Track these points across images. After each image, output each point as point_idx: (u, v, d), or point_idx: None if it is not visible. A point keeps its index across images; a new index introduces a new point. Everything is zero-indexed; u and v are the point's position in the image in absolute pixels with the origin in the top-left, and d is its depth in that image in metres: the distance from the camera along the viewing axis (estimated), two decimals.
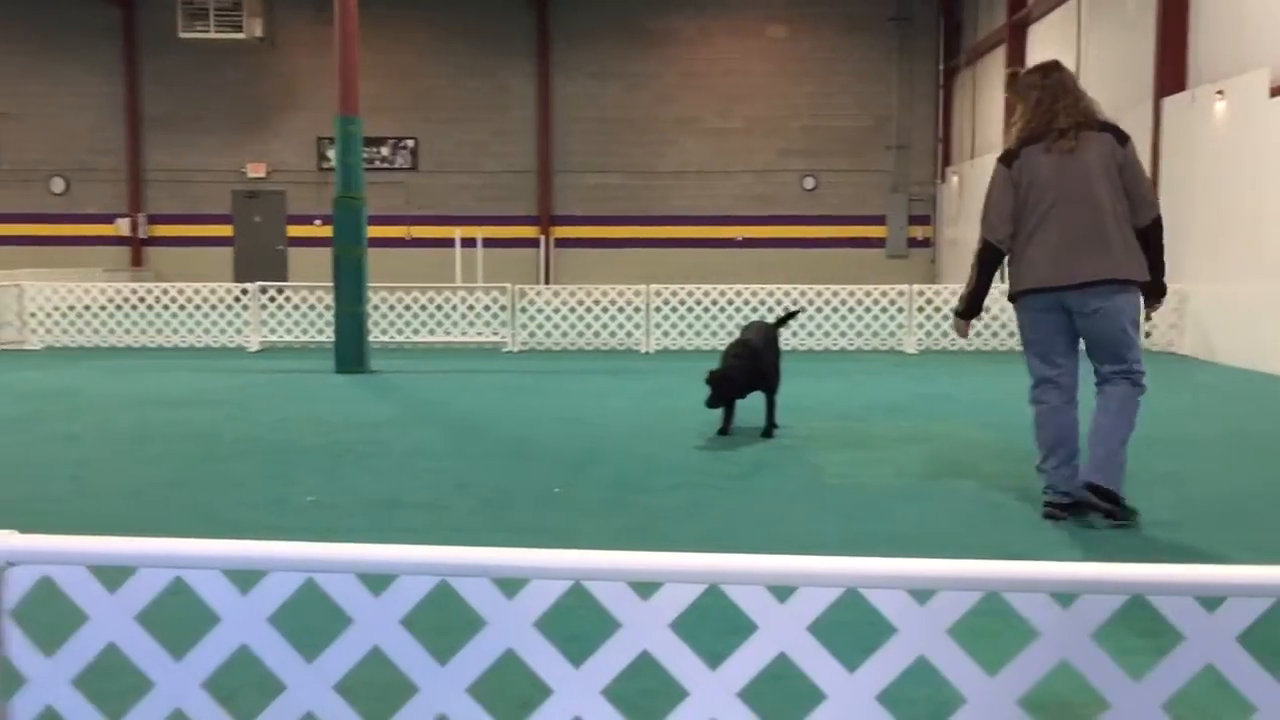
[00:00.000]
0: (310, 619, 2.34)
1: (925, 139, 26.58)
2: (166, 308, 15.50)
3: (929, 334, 14.51)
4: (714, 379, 7.53)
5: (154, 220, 27.00)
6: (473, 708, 1.84)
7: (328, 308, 13.81)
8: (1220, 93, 12.55)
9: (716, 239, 26.42)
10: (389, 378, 11.58)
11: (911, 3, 26.07)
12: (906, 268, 25.82)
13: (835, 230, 26.41)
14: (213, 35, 25.23)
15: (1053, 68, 5.34)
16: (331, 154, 12.54)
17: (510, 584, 1.79)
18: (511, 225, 26.34)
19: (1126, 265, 5.02)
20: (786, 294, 14.94)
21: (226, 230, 26.96)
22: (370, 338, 12.60)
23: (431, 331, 15.09)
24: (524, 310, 15.53)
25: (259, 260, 26.30)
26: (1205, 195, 12.66)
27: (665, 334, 14.68)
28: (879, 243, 26.59)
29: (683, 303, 14.87)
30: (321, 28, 22.38)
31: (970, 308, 5.44)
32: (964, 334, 5.74)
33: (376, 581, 1.80)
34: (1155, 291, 5.23)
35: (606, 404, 9.49)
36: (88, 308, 15.62)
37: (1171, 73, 13.92)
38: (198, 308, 15.61)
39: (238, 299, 15.92)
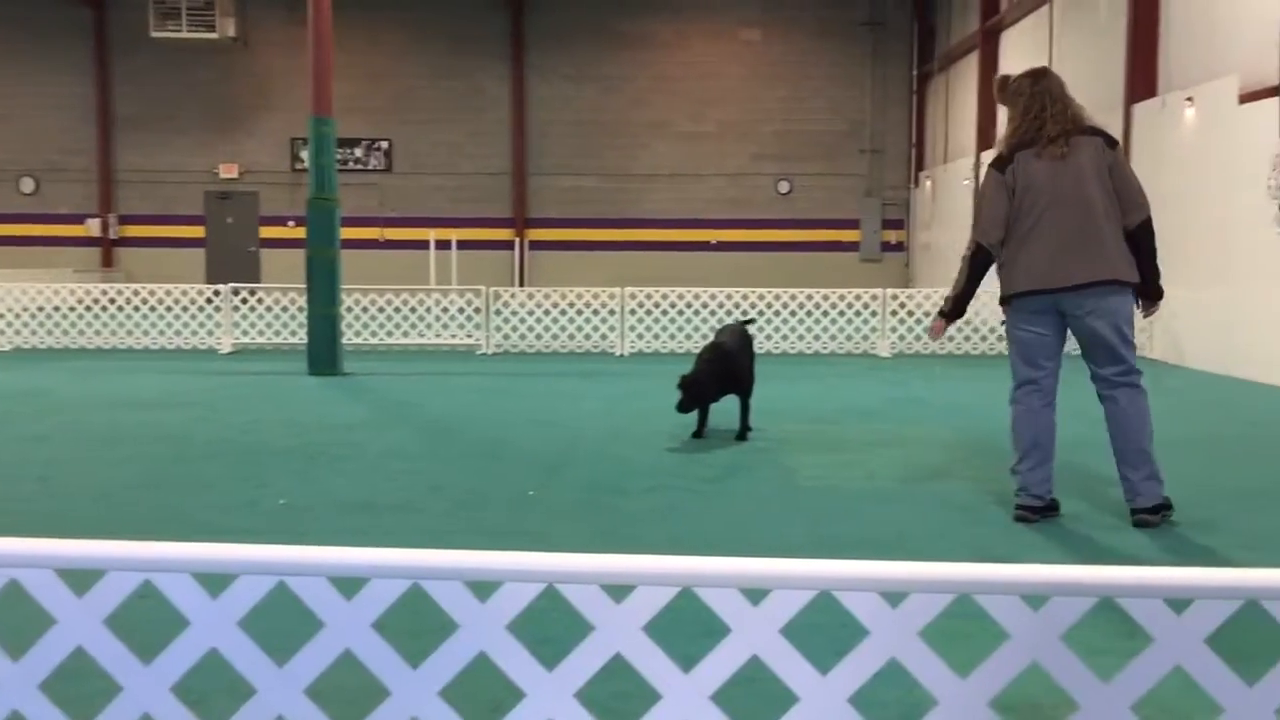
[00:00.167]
0: (281, 622, 2.32)
1: (899, 143, 26.71)
2: (137, 309, 15.38)
3: (902, 338, 14.58)
4: (685, 383, 7.51)
5: (125, 221, 26.79)
6: (445, 711, 1.84)
7: (301, 309, 13.74)
8: (1190, 99, 12.68)
9: (691, 242, 26.45)
10: (362, 380, 11.53)
11: (885, 7, 26.20)
12: (880, 271, 25.93)
13: (809, 234, 26.50)
14: (185, 35, 25.05)
15: (1041, 74, 5.40)
16: (305, 155, 12.48)
17: (483, 587, 1.78)
18: (486, 227, 26.29)
19: (1120, 267, 5.10)
20: (760, 297, 14.97)
21: (198, 231, 26.78)
22: (344, 340, 12.54)
23: (405, 334, 15.04)
24: (498, 313, 15.50)
25: (231, 261, 26.14)
26: (1175, 201, 12.78)
27: (639, 336, 14.69)
28: (853, 246, 26.69)
29: (657, 305, 14.88)
30: (295, 28, 22.27)
31: (956, 309, 5.47)
32: (939, 335, 5.75)
33: (348, 585, 1.79)
34: (1152, 294, 5.29)
35: (580, 406, 9.48)
36: (57, 309, 15.49)
37: (1142, 79, 14.04)
38: (169, 309, 15.48)
39: (210, 300, 15.82)
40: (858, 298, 14.72)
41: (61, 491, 6.07)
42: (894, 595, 1.75)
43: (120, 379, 11.54)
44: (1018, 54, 19.83)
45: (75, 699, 2.12)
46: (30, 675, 1.84)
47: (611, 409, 9.34)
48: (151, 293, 15.33)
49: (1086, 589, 1.72)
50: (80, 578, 1.82)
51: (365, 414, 9.14)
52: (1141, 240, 5.18)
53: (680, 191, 26.59)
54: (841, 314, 14.66)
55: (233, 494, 6.00)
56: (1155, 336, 13.33)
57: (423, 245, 21.90)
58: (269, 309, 15.40)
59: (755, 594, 1.76)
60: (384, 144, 26.50)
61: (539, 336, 14.86)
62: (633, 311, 14.77)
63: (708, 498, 5.94)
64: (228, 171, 26.55)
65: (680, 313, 14.78)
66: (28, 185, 26.66)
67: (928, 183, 25.34)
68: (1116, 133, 13.84)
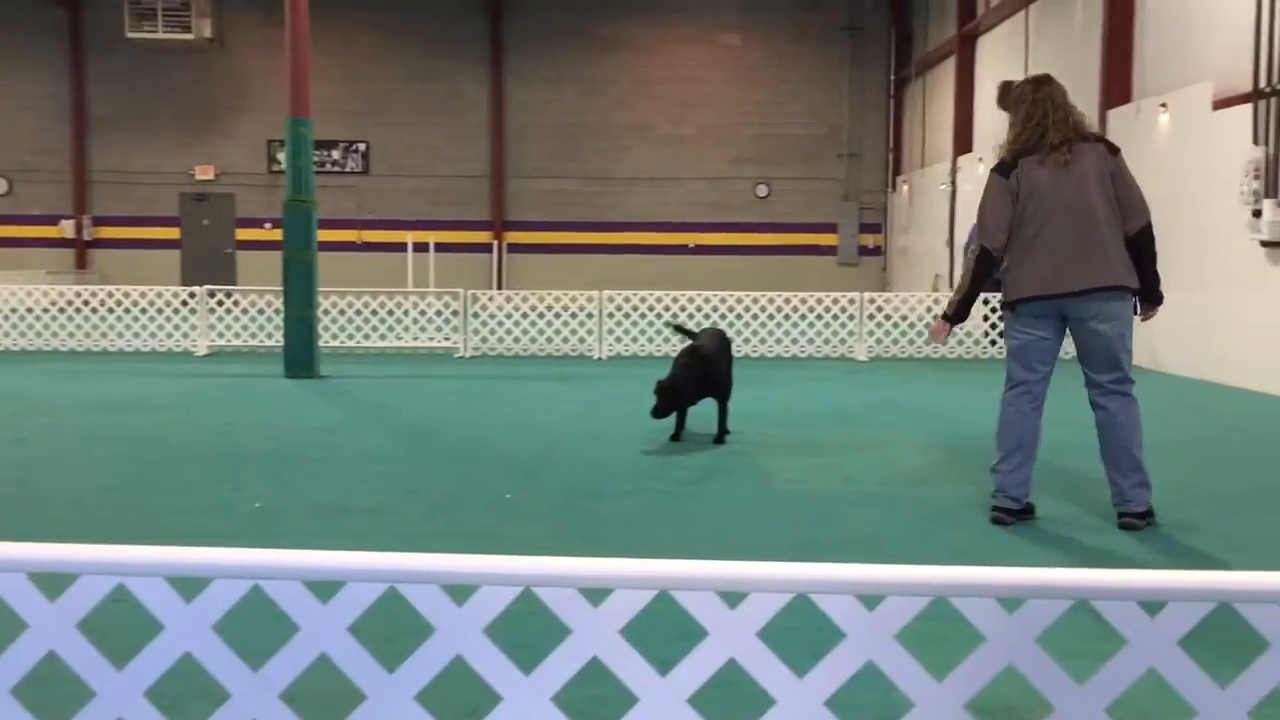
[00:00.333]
0: (256, 627, 2.31)
1: (876, 148, 26.81)
2: (111, 311, 15.27)
3: (879, 341, 14.63)
4: (661, 389, 7.47)
5: (99, 222, 26.59)
6: (421, 715, 1.83)
7: (277, 312, 13.67)
8: (1164, 105, 12.78)
9: (669, 245, 26.47)
10: (339, 383, 11.48)
11: (863, 12, 26.30)
12: (857, 275, 26.02)
13: (787, 238, 26.57)
14: (161, 35, 24.89)
15: (1043, 81, 5.46)
16: (282, 157, 12.44)
17: (459, 590, 1.78)
18: (464, 230, 26.23)
19: (1122, 273, 5.19)
20: (739, 300, 15.00)
21: (174, 233, 26.61)
22: (320, 343, 12.49)
23: (383, 336, 14.98)
24: (476, 315, 15.47)
25: (207, 263, 25.99)
26: (1149, 206, 12.86)
27: (618, 340, 14.68)
28: (830, 250, 26.77)
29: (635, 309, 14.88)
30: (272, 29, 22.17)
31: (959, 312, 5.49)
32: (941, 337, 5.71)
33: (324, 588, 1.78)
34: (1152, 298, 5.36)
35: (558, 409, 9.47)
36: (30, 310, 15.36)
37: (1117, 85, 14.15)
38: (144, 311, 15.37)
39: (185, 302, 15.72)
40: (835, 301, 14.76)
41: (34, 495, 6.02)
42: (870, 598, 1.75)
43: (95, 381, 11.45)
44: (994, 60, 19.95)
45: (47, 704, 2.10)
46: (2, 680, 1.83)
47: (589, 412, 9.34)
48: (126, 295, 15.23)
49: (1061, 591, 1.73)
50: (53, 581, 1.80)
51: (342, 417, 9.11)
52: (1142, 246, 5.27)
53: (659, 195, 26.61)
54: (819, 318, 14.70)
55: (208, 497, 5.97)
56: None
57: (400, 248, 21.84)
58: (245, 311, 15.32)
59: (732, 597, 1.76)
60: (361, 146, 26.41)
61: (517, 340, 14.84)
62: (611, 315, 14.76)
63: (685, 501, 5.94)
64: (203, 173, 26.41)
65: (659, 316, 14.78)
66: (0, 186, 26.44)
67: (905, 187, 25.45)
68: None
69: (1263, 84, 10.93)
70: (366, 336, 14.88)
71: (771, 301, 14.88)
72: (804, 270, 25.80)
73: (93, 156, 26.46)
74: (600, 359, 14.31)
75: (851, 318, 14.71)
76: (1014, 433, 5.34)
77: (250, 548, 1.84)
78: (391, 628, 2.51)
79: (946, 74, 22.16)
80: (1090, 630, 2.17)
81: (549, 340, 14.82)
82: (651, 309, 14.82)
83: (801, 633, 2.40)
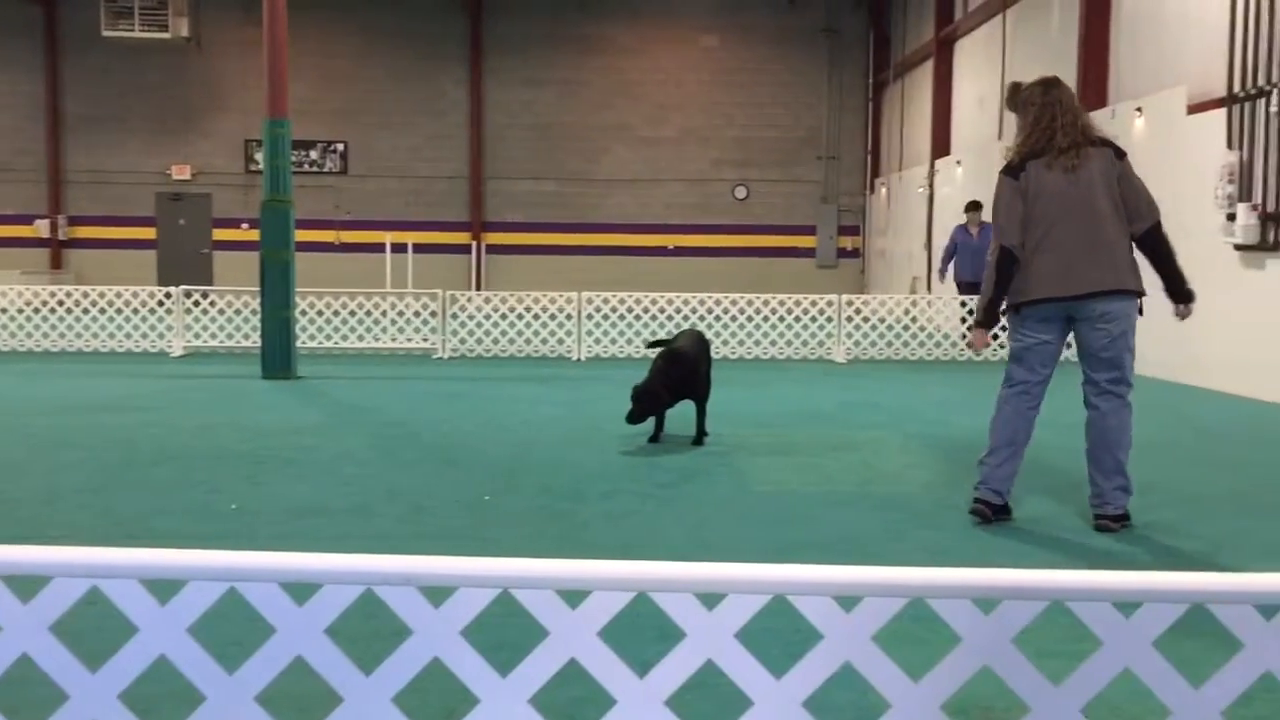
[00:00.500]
0: (232, 629, 2.30)
1: (855, 150, 26.89)
2: (86, 311, 15.16)
3: (857, 343, 14.67)
4: (638, 394, 7.43)
5: (74, 222, 26.39)
6: (398, 718, 1.82)
7: (254, 312, 13.60)
8: (1139, 110, 12.87)
9: (648, 247, 26.49)
10: (316, 384, 11.43)
11: (842, 16, 26.38)
12: (836, 278, 26.10)
13: (766, 240, 26.62)
14: (137, 34, 24.73)
15: (1052, 84, 5.50)
16: (259, 157, 12.34)
17: (437, 592, 1.77)
18: (443, 231, 26.16)
19: (1127, 277, 5.25)
20: (717, 302, 15.01)
21: (150, 233, 26.44)
22: (298, 343, 12.43)
23: (361, 338, 14.93)
24: (455, 317, 15.43)
25: (183, 264, 25.83)
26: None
27: (597, 341, 14.68)
28: (809, 252, 26.83)
29: (614, 310, 14.88)
30: (250, 28, 22.06)
31: (989, 317, 5.50)
32: (982, 345, 5.69)
33: (300, 590, 1.77)
34: (1180, 295, 5.42)
35: (537, 411, 9.46)
36: (4, 311, 15.22)
37: (1093, 89, 14.24)
38: (119, 311, 15.26)
39: (161, 303, 15.62)
40: (814, 303, 14.80)
41: (7, 497, 5.97)
42: (847, 600, 1.75)
43: (69, 382, 11.37)
44: (972, 63, 20.05)
45: (21, 707, 2.09)
46: None
47: (568, 414, 9.33)
48: (101, 295, 15.12)
49: (1036, 593, 1.74)
50: (26, 584, 1.79)
51: (319, 418, 9.07)
52: (1156, 245, 5.33)
53: (638, 196, 26.62)
54: (797, 319, 14.73)
55: (183, 499, 5.93)
56: None
57: (379, 248, 21.76)
58: (221, 312, 15.23)
59: (710, 599, 1.76)
60: (340, 146, 26.31)
61: (496, 341, 14.81)
62: (590, 316, 14.76)
63: (663, 502, 5.95)
64: (180, 173, 26.25)
65: (638, 318, 14.78)
66: None
67: (883, 189, 25.54)
68: None
69: (1236, 89, 11.03)
70: (344, 337, 14.82)
71: (750, 303, 14.90)
72: (783, 272, 25.86)
73: (68, 156, 26.27)
74: (579, 360, 14.30)
75: (830, 320, 14.75)
76: (1008, 429, 5.39)
77: (226, 550, 1.83)
78: (369, 630, 2.50)
79: (924, 77, 22.26)
80: (1066, 631, 2.18)
81: (528, 342, 14.80)
82: (630, 310, 14.82)
83: (779, 634, 2.41)
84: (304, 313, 14.24)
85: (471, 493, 6.11)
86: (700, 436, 7.72)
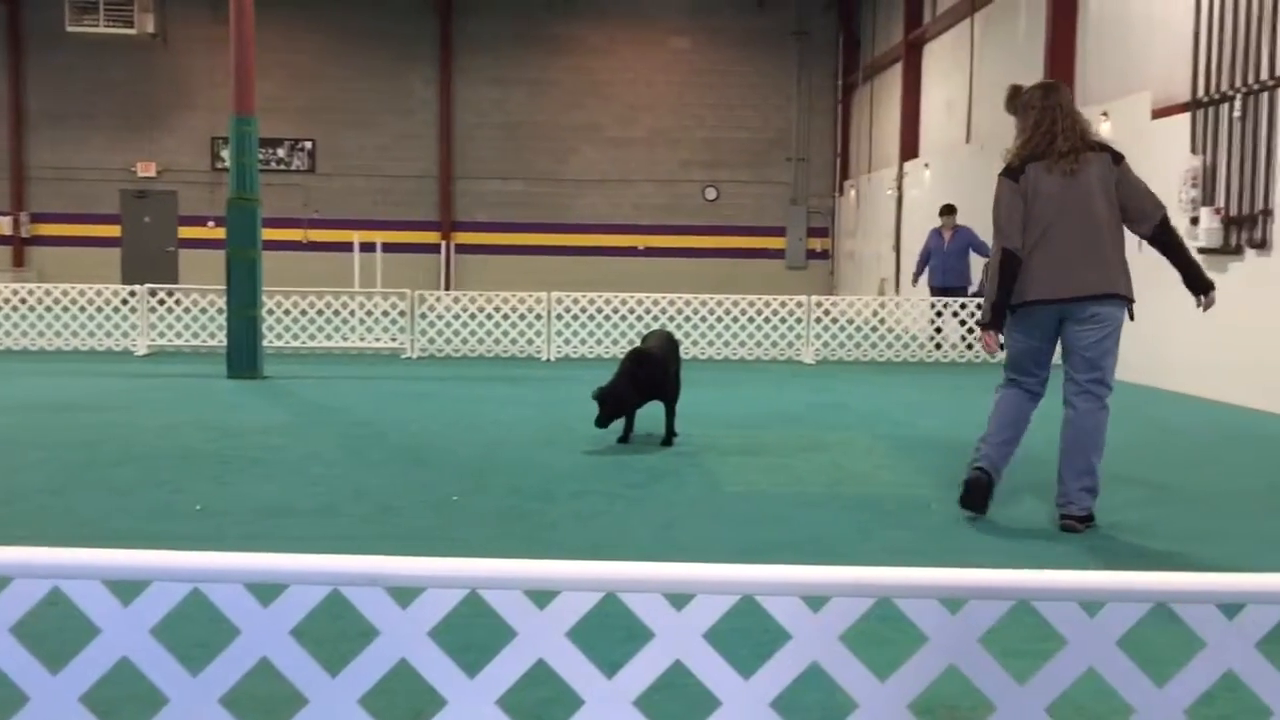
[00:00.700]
0: (196, 630, 2.28)
1: (824, 152, 27.00)
2: (49, 309, 14.98)
3: (826, 344, 14.73)
4: (603, 396, 7.41)
5: (38, 219, 26.09)
6: (364, 719, 1.81)
7: (220, 311, 13.49)
8: (1105, 114, 12.99)
9: (618, 247, 26.48)
10: (283, 383, 11.36)
11: (812, 18, 26.47)
12: (805, 279, 26.19)
13: (736, 241, 26.67)
14: (102, 30, 24.48)
15: (1052, 88, 5.56)
16: (226, 154, 12.23)
17: (404, 593, 1.76)
18: (412, 230, 26.05)
19: (1120, 282, 5.33)
20: (687, 303, 15.03)
21: (114, 230, 26.17)
22: (265, 343, 12.34)
23: (329, 337, 14.83)
24: (424, 316, 15.37)
25: (148, 262, 25.58)
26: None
27: (566, 342, 14.66)
28: (779, 254, 26.91)
29: (584, 310, 14.86)
30: (216, 25, 21.88)
31: (996, 319, 5.53)
32: (994, 347, 5.69)
33: (266, 591, 1.76)
34: (1199, 285, 5.46)
35: (506, 411, 9.44)
36: None
37: None
38: (83, 310, 15.09)
39: (125, 301, 15.46)
40: (783, 304, 14.84)
41: None
42: (815, 600, 1.76)
43: (31, 381, 11.23)
44: (940, 67, 20.17)
45: None
46: None
47: (537, 414, 9.31)
48: (65, 293, 14.95)
49: (1002, 592, 1.75)
50: None
51: (286, 418, 9.00)
52: (1167, 240, 5.42)
53: (608, 197, 26.61)
54: (767, 320, 14.77)
55: (147, 499, 5.87)
56: None
57: (347, 247, 21.64)
58: (187, 310, 15.10)
59: (679, 599, 1.76)
60: (308, 144, 26.15)
61: (465, 341, 14.76)
62: (559, 316, 14.74)
63: (632, 503, 5.94)
64: (145, 170, 26.00)
65: (607, 318, 14.78)
66: None
67: (852, 191, 25.66)
68: None
69: (1200, 94, 11.15)
70: (312, 337, 14.73)
71: (720, 304, 14.93)
72: (752, 273, 25.92)
73: (31, 152, 25.96)
74: (549, 360, 14.28)
75: (799, 320, 14.80)
76: (1009, 414, 5.50)
77: (190, 550, 1.81)
78: (335, 631, 2.49)
79: (894, 80, 22.37)
80: (1031, 630, 2.20)
81: (497, 342, 14.76)
82: (600, 311, 14.81)
83: (748, 634, 2.41)
84: (271, 312, 14.14)
85: (439, 493, 6.08)
86: (669, 437, 7.73)
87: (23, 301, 15.02)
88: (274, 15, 22.23)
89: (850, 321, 15.53)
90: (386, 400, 10.19)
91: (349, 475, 6.58)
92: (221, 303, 12.81)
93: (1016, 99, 5.62)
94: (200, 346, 14.24)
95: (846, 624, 1.77)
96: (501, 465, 6.95)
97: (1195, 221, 10.98)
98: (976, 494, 5.45)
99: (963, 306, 14.28)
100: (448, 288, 25.30)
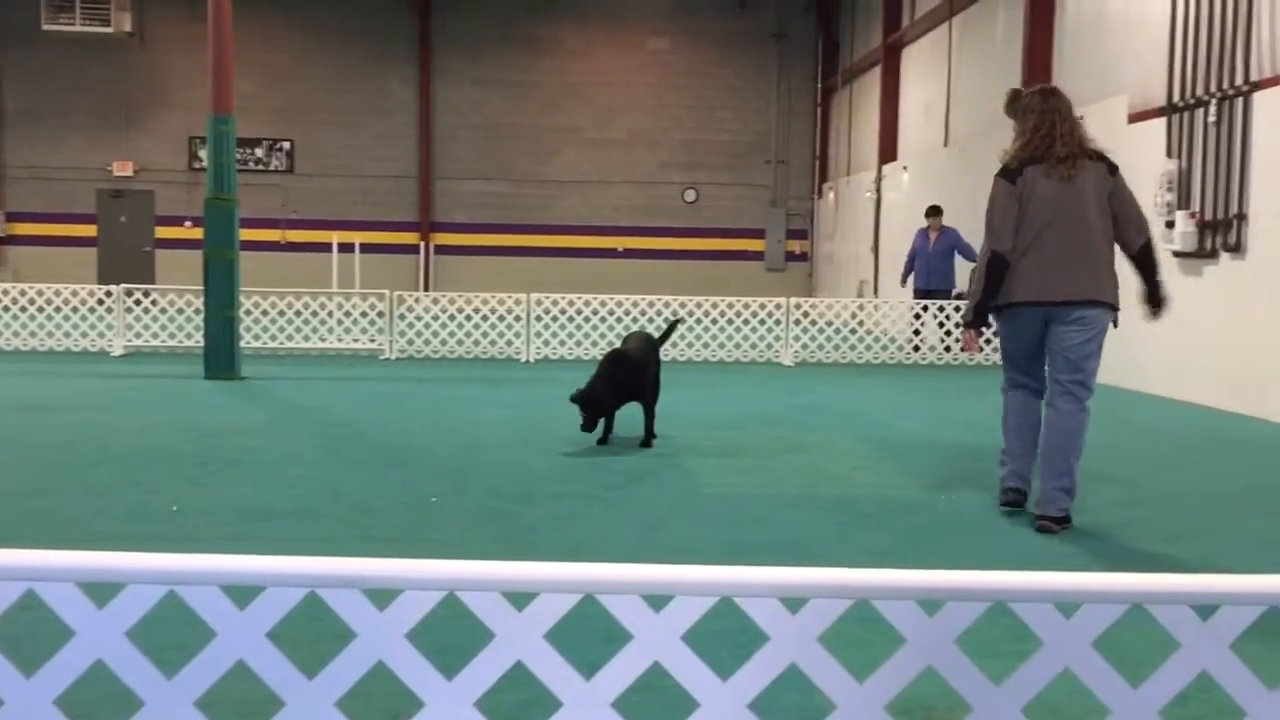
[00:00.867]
0: (172, 633, 2.26)
1: (803, 155, 27.06)
2: (25, 309, 14.87)
3: (805, 346, 14.76)
4: (582, 400, 7.40)
5: (13, 218, 25.88)
6: None
7: (197, 312, 13.41)
8: (1082, 118, 13.04)
9: (598, 249, 26.48)
10: (261, 384, 11.30)
11: (791, 21, 26.53)
12: (784, 281, 26.24)
13: (715, 243, 26.70)
14: (79, 28, 24.31)
15: (1051, 93, 5.61)
16: (204, 154, 12.18)
17: (382, 595, 1.76)
18: (391, 231, 25.98)
19: (1107, 289, 5.40)
20: (666, 305, 15.04)
21: (90, 230, 25.99)
22: (242, 343, 12.28)
23: (307, 338, 14.77)
24: (402, 317, 15.32)
25: (125, 262, 25.41)
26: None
27: (545, 343, 14.64)
28: (758, 256, 26.96)
29: (563, 312, 14.85)
30: (194, 24, 21.76)
31: (978, 318, 5.61)
32: (974, 347, 5.80)
33: (242, 593, 1.75)
34: (1156, 302, 5.60)
35: (485, 413, 9.42)
36: None
37: None
38: (58, 310, 14.99)
39: (101, 301, 15.36)
40: (762, 306, 14.86)
41: None
42: (793, 601, 1.76)
43: (7, 381, 11.14)
44: (919, 70, 20.25)
45: None
46: None
47: (516, 415, 9.30)
48: (40, 293, 14.84)
49: (978, 594, 1.75)
50: None
51: (263, 419, 8.96)
52: (1146, 261, 5.52)
53: (587, 198, 26.60)
54: (746, 322, 14.79)
55: (123, 500, 5.83)
56: None
57: (325, 248, 21.57)
58: (164, 311, 15.02)
59: (657, 600, 1.76)
60: (286, 144, 26.04)
61: (444, 342, 14.73)
62: (539, 318, 14.72)
63: (611, 504, 5.94)
64: (122, 169, 25.83)
65: (586, 319, 14.77)
66: None
67: (831, 194, 25.73)
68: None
69: (1176, 98, 11.24)
70: (290, 338, 14.66)
71: (699, 306, 14.94)
72: (732, 275, 25.96)
73: (7, 151, 25.76)
74: (528, 362, 14.26)
75: (778, 323, 14.83)
76: (1021, 424, 5.61)
77: (166, 552, 1.80)
78: (312, 633, 2.48)
79: (873, 83, 22.45)
80: (1008, 631, 2.21)
81: (476, 343, 14.73)
82: (580, 312, 14.80)
83: (726, 635, 2.42)
84: (248, 312, 14.08)
85: (418, 494, 6.06)
86: (649, 438, 7.73)
87: None
88: (252, 14, 22.11)
89: (829, 323, 15.57)
90: (365, 401, 10.15)
91: (327, 476, 6.55)
92: (199, 303, 12.74)
93: (1016, 102, 5.67)
94: (177, 347, 14.16)
95: (825, 625, 1.77)
96: (480, 466, 6.94)
97: (1171, 225, 11.06)
98: (1018, 508, 5.64)
99: (940, 309, 14.34)
100: (427, 288, 25.24)
